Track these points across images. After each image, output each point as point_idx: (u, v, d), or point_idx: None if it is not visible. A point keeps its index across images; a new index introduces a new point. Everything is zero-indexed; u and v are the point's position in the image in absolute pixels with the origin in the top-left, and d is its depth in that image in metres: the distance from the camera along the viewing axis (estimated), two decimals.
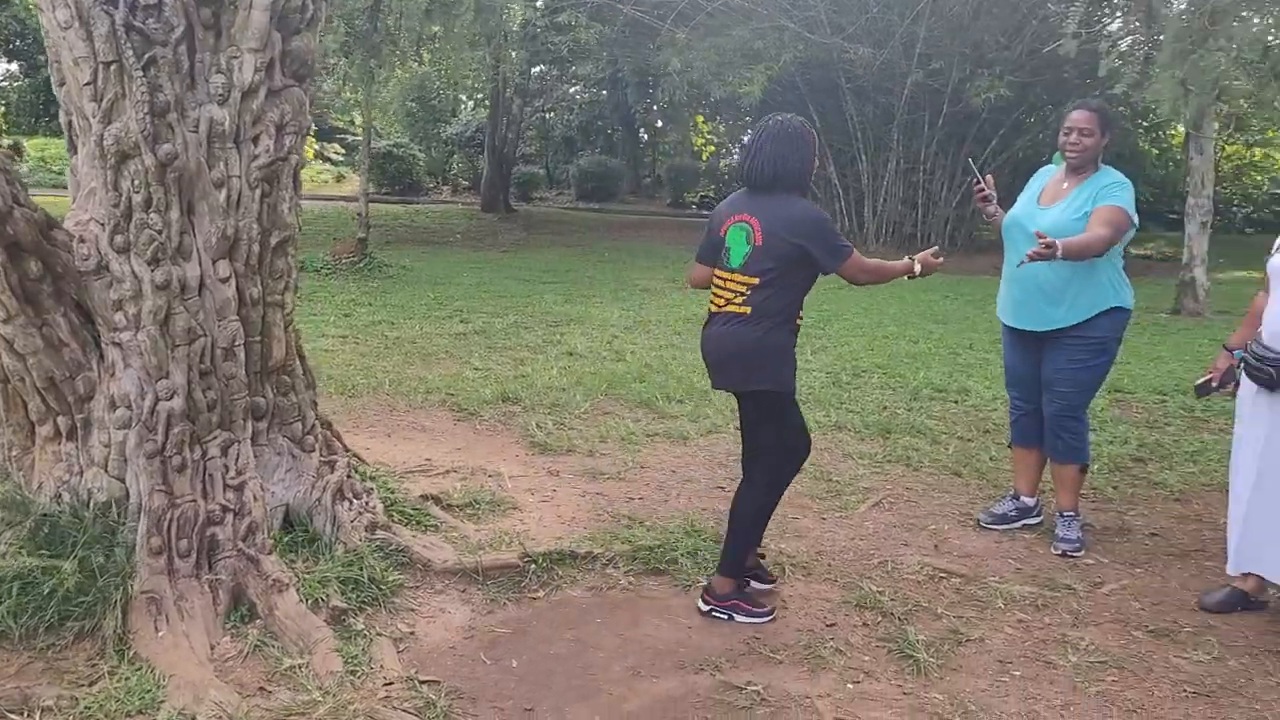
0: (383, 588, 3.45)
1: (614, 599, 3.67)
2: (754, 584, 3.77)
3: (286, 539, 3.55)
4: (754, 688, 3.09)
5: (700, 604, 3.58)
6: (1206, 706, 3.10)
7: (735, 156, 30.05)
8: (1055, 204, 4.19)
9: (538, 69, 23.52)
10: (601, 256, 15.69)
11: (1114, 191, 4.04)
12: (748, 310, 3.43)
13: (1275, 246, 3.69)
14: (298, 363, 3.81)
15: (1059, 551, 4.23)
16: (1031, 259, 3.76)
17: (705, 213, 26.65)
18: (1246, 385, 3.70)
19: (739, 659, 3.28)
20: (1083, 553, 4.23)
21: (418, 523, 4.02)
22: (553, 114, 31.35)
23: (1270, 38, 11.89)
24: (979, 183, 4.32)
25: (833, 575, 3.92)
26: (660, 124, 32.08)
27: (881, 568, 4.07)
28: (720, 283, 3.53)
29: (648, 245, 17.88)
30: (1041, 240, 3.73)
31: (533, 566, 3.76)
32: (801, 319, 3.58)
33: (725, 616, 3.53)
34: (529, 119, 28.28)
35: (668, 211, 26.56)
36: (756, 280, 3.42)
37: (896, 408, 6.62)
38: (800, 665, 3.26)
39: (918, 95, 16.83)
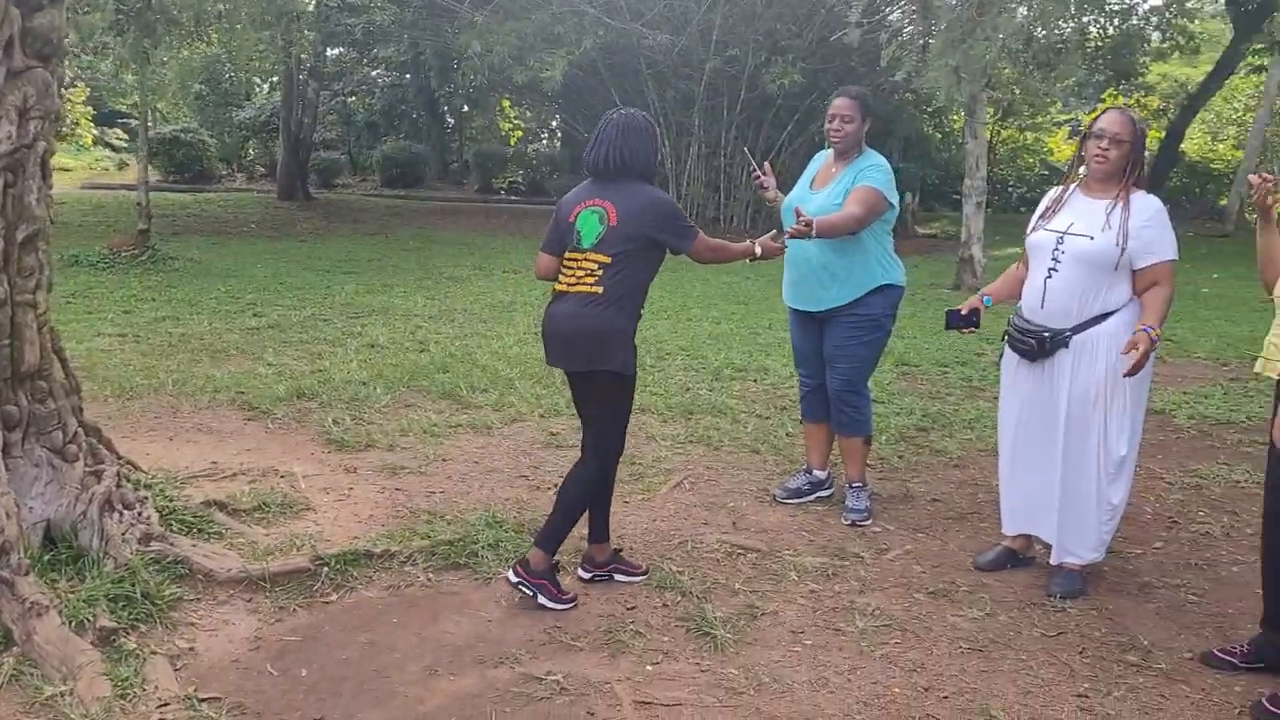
0: (158, 603, 3.25)
1: (412, 597, 3.58)
2: (619, 577, 3.78)
3: (47, 557, 3.29)
4: (554, 677, 3.08)
5: (510, 575, 3.55)
6: (980, 660, 3.29)
7: (544, 142, 30.02)
8: (824, 188, 4.37)
9: (335, 51, 22.72)
10: (406, 245, 15.32)
11: (870, 173, 4.25)
12: (599, 290, 3.48)
13: (1032, 224, 3.92)
14: (56, 366, 3.54)
15: (848, 521, 4.42)
16: (790, 237, 3.91)
17: (514, 199, 26.48)
18: (1009, 355, 3.93)
19: (539, 649, 3.27)
20: (870, 521, 4.43)
21: (199, 531, 3.81)
22: (354, 98, 30.36)
23: (1034, 28, 12.77)
24: (756, 170, 4.45)
25: (635, 558, 3.95)
26: (466, 108, 31.56)
27: (682, 548, 4.13)
28: (572, 263, 3.57)
29: (455, 233, 17.57)
30: (801, 219, 3.89)
31: (325, 569, 3.63)
32: (643, 306, 3.65)
33: (530, 593, 3.51)
34: (328, 103, 27.29)
35: (476, 198, 26.16)
36: (609, 259, 3.48)
37: (699, 388, 6.76)
38: (600, 651, 3.27)
39: (716, 81, 17.19)
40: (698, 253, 3.64)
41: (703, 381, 6.95)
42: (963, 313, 4.01)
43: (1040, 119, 26.39)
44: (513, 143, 30.86)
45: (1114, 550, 4.08)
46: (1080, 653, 3.36)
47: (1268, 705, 3.00)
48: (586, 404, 3.70)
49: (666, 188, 18.48)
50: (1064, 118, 28.47)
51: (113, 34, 11.68)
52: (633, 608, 3.58)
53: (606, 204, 3.52)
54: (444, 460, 5.08)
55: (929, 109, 22.03)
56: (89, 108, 24.75)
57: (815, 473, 4.73)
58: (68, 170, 23.10)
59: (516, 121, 30.92)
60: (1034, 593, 3.80)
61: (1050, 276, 3.70)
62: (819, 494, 4.70)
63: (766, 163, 4.55)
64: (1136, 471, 5.08)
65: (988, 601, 3.71)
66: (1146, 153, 3.82)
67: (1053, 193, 3.96)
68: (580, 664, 3.19)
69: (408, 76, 27.98)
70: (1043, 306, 3.74)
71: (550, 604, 3.52)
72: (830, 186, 4.34)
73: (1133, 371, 3.47)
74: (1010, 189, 27.66)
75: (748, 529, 4.37)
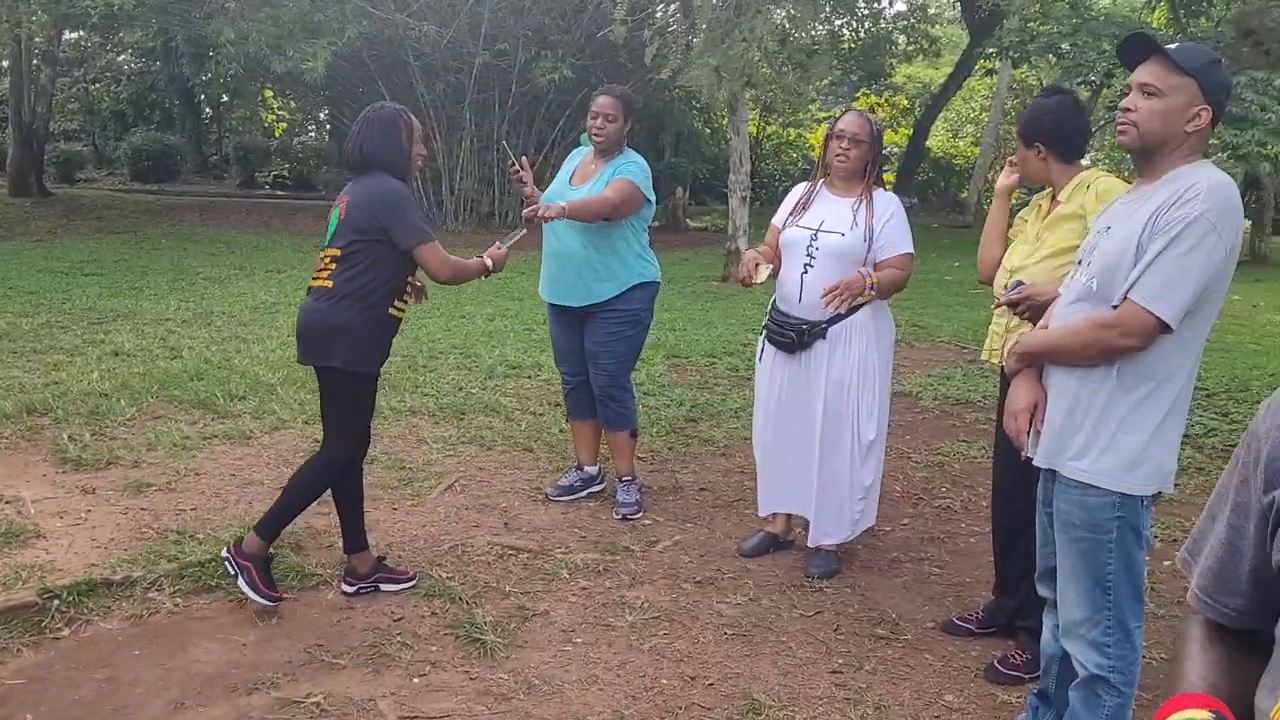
0: None
1: (157, 626, 3.34)
2: (385, 587, 3.66)
3: None
4: (314, 699, 2.95)
5: (223, 551, 3.53)
6: (743, 645, 3.40)
7: (311, 134, 28.88)
8: (583, 184, 4.39)
9: (74, 35, 20.97)
10: (158, 244, 14.35)
11: (628, 168, 4.33)
12: (330, 284, 3.44)
13: (782, 218, 4.06)
14: None
15: (619, 515, 4.46)
16: (544, 218, 3.99)
17: (280, 193, 25.33)
18: (767, 348, 4.07)
19: (299, 671, 3.12)
20: (641, 514, 4.49)
21: None
22: (98, 85, 28.17)
23: (791, 30, 13.34)
24: (515, 165, 4.39)
25: (404, 566, 3.84)
26: (225, 99, 29.88)
27: (452, 552, 4.06)
28: (320, 260, 3.55)
29: (214, 230, 16.61)
30: (551, 206, 3.96)
31: (55, 602, 3.33)
32: (401, 309, 3.53)
33: (234, 573, 3.47)
34: (67, 91, 25.21)
35: (238, 192, 24.87)
36: (338, 251, 3.44)
37: (472, 387, 6.66)
38: (365, 667, 3.16)
39: (486, 75, 17.01)
40: (426, 260, 3.47)
41: (476, 380, 6.85)
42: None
43: (801, 116, 27.67)
44: (277, 134, 29.51)
45: (870, 525, 4.30)
46: (835, 630, 3.52)
47: (999, 666, 3.24)
48: (321, 399, 3.63)
49: (440, 183, 18.17)
50: (824, 115, 29.93)
51: None
52: (400, 619, 3.48)
53: (344, 198, 3.51)
54: (196, 475, 4.78)
55: (696, 105, 22.63)
56: None
57: (586, 469, 4.75)
58: None
59: (281, 113, 29.59)
60: (794, 575, 3.96)
61: (806, 272, 3.84)
62: (590, 490, 4.73)
63: (525, 157, 4.52)
64: (887, 451, 5.41)
65: (751, 587, 3.84)
66: (896, 149, 4.05)
67: (799, 189, 4.12)
68: (343, 683, 3.07)
69: (158, 64, 26.21)
70: (800, 300, 3.88)
71: (250, 592, 3.41)
72: (590, 183, 4.36)
73: (831, 295, 3.62)
74: (776, 183, 28.81)
75: (520, 529, 4.34)
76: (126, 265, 12.00)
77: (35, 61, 19.84)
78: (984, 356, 3.44)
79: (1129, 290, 2.26)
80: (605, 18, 15.27)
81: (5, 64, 22.35)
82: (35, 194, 19.53)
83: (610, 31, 11.01)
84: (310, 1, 14.31)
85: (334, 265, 3.45)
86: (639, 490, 4.61)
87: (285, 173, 27.62)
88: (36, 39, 18.50)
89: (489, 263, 3.70)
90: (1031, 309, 2.88)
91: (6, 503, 4.25)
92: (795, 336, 3.88)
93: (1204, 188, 2.20)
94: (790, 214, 4.03)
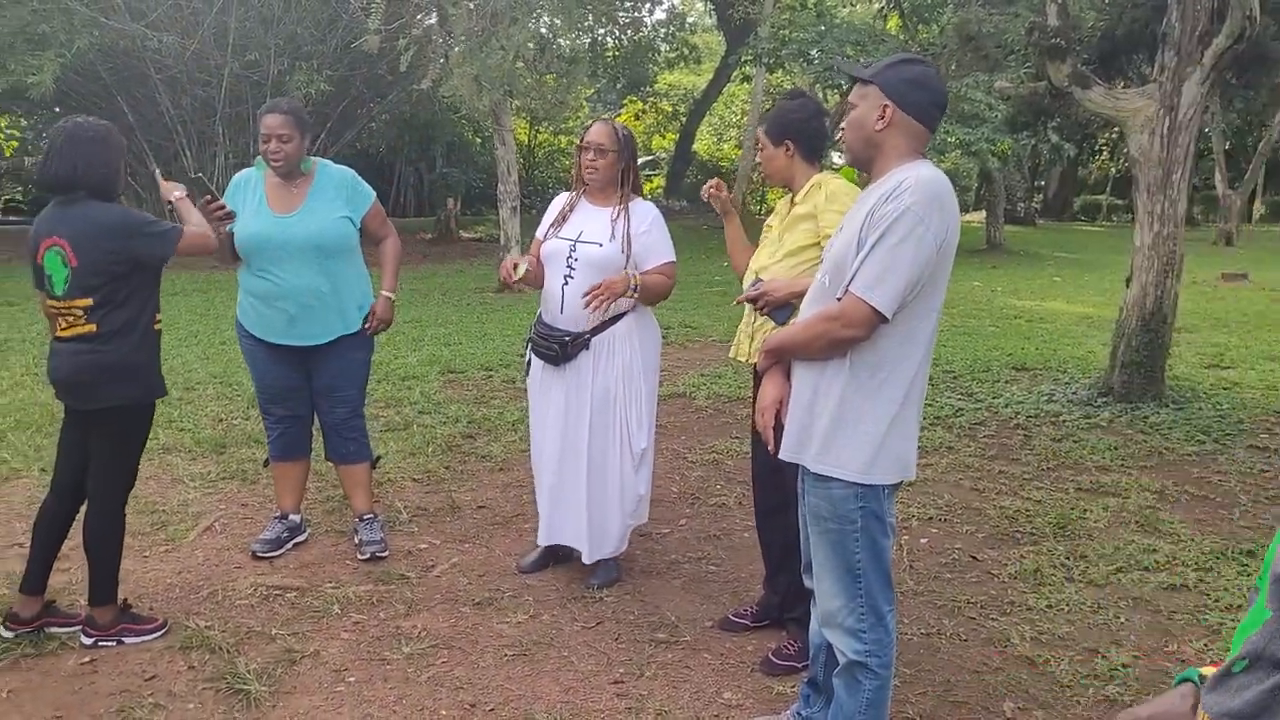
0: None
1: None
2: (54, 628, 3.45)
3: None
4: None
5: (83, 639, 3.40)
6: (524, 665, 3.34)
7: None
8: (296, 210, 3.98)
9: None
10: None
11: (364, 191, 4.14)
12: (93, 328, 3.26)
13: (544, 230, 4.03)
14: None
15: (367, 555, 4.15)
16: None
17: (14, 219, 23.27)
18: (535, 362, 4.02)
19: None
20: (387, 552, 4.21)
21: None
22: None
23: (552, 38, 13.39)
24: (215, 199, 3.68)
25: (155, 618, 3.56)
26: None
27: (211, 598, 3.80)
28: (55, 310, 3.28)
29: None
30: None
31: None
32: (160, 322, 3.42)
33: (113, 644, 3.40)
34: None
35: None
36: (90, 301, 3.24)
37: (234, 418, 6.30)
38: None
39: (239, 88, 16.23)
40: (189, 248, 3.37)
41: (238, 410, 6.49)
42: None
43: (571, 124, 27.90)
44: (8, 155, 27.06)
45: (644, 532, 4.34)
46: (616, 639, 3.52)
47: (773, 659, 3.33)
48: (95, 441, 3.40)
49: (192, 199, 17.14)
50: (592, 120, 30.35)
51: None
52: (152, 677, 3.22)
53: (63, 241, 3.20)
54: None
55: (464, 115, 22.41)
56: None
57: (290, 517, 4.36)
58: None
59: (10, 131, 27.14)
60: (575, 587, 3.93)
61: (566, 283, 3.82)
62: (296, 540, 4.34)
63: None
64: (663, 453, 5.50)
65: (531, 604, 3.79)
66: (665, 154, 4.10)
67: (560, 200, 4.10)
68: None
69: None
70: (562, 311, 3.85)
71: (137, 641, 3.43)
72: (303, 210, 3.97)
73: (592, 295, 3.65)
74: (550, 191, 28.91)
75: (286, 567, 4.11)
76: None
77: None
78: (731, 354, 3.54)
79: (849, 283, 2.36)
80: (361, 27, 14.87)
81: None
82: None
83: (364, 41, 10.71)
84: (31, 12, 13.17)
85: (86, 313, 3.24)
86: (382, 526, 4.37)
87: (18, 196, 25.42)
88: None
89: (180, 190, 3.64)
90: (768, 304, 2.99)
91: None
92: (559, 348, 3.85)
93: (912, 183, 2.33)
94: (551, 225, 4.01)
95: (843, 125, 2.54)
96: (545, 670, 3.31)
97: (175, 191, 3.63)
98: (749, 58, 18.71)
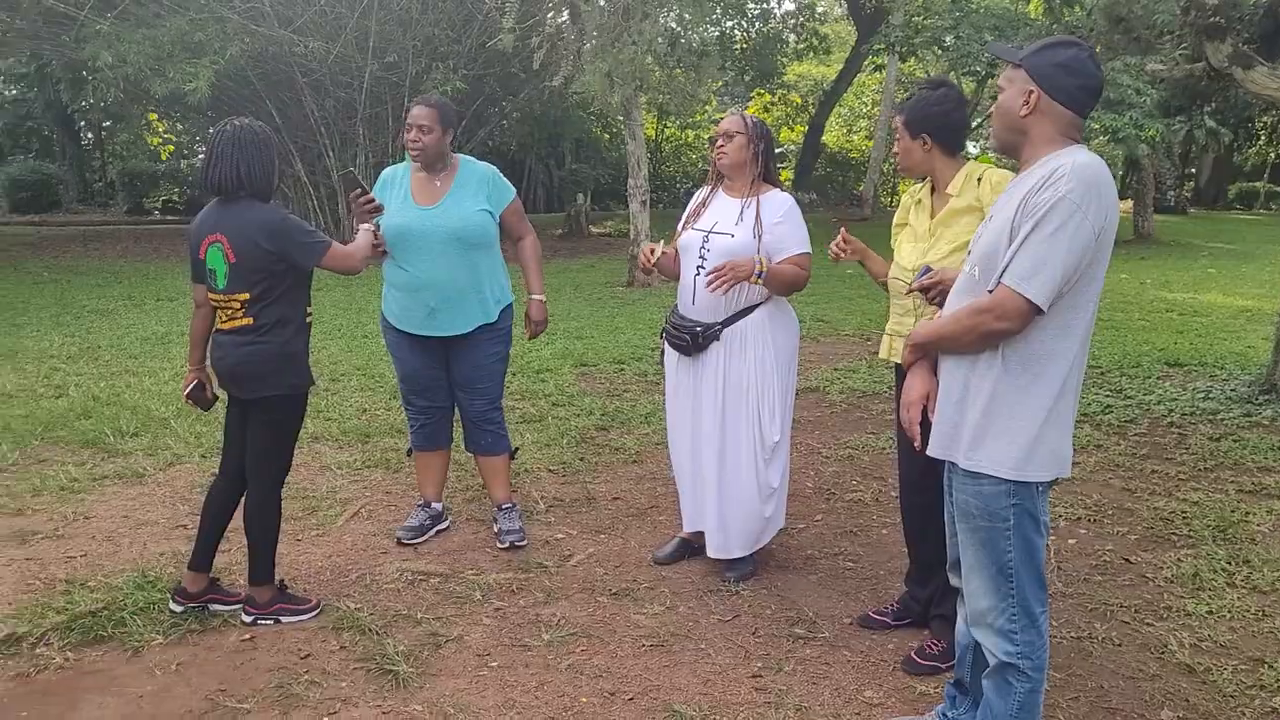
0: None
1: (45, 684, 3.16)
2: (216, 606, 3.62)
3: None
4: None
5: (244, 616, 3.57)
6: (662, 656, 3.35)
7: (201, 156, 28.03)
8: (438, 203, 4.07)
9: None
10: (39, 277, 13.77)
11: (504, 187, 4.21)
12: (249, 322, 3.44)
13: (681, 224, 4.05)
14: None
15: (506, 544, 4.24)
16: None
17: (170, 219, 24.58)
18: (669, 352, 4.04)
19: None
20: (526, 542, 4.29)
21: None
22: None
23: (681, 33, 13.40)
24: (365, 192, 3.85)
25: (309, 599, 3.71)
26: (107, 123, 28.88)
27: (360, 582, 3.94)
28: (218, 303, 3.49)
29: (100, 260, 16.03)
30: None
31: None
32: (311, 314, 3.59)
33: (271, 622, 3.56)
34: None
35: (125, 220, 24.04)
36: (247, 295, 3.41)
37: (376, 409, 6.51)
38: (271, 709, 3.03)
39: (378, 89, 16.75)
40: (332, 265, 3.51)
41: (380, 401, 6.70)
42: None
43: (699, 118, 27.88)
44: (164, 158, 28.62)
45: (781, 527, 4.30)
46: (754, 633, 3.51)
47: (916, 658, 3.26)
48: (254, 429, 3.58)
49: (335, 199, 17.82)
50: (720, 116, 30.26)
51: None
52: (307, 655, 3.36)
53: (223, 238, 3.39)
54: (86, 519, 4.56)
55: (593, 112, 22.63)
56: None
57: (433, 505, 4.48)
58: None
59: (167, 136, 28.70)
60: (710, 580, 3.93)
61: (698, 274, 3.82)
62: (438, 528, 4.45)
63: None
64: (797, 448, 5.44)
65: (667, 595, 3.80)
66: (794, 147, 4.05)
67: (698, 195, 4.10)
68: None
69: (33, 90, 25.21)
70: (694, 302, 3.86)
71: (293, 620, 3.57)
72: (445, 202, 4.06)
73: (714, 275, 3.61)
74: (677, 185, 28.99)
75: (430, 553, 4.23)
76: (5, 302, 11.48)
77: None
78: (881, 354, 3.47)
79: (1002, 274, 2.29)
80: (495, 27, 15.17)
81: None
82: None
83: (499, 40, 10.92)
84: (189, 21, 13.87)
85: (244, 307, 3.42)
86: (521, 515, 4.46)
87: (175, 197, 26.84)
88: None
89: (370, 232, 3.79)
90: (942, 294, 2.90)
91: None
92: (690, 339, 3.86)
93: (1068, 169, 2.24)
94: (688, 218, 4.02)
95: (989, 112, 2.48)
96: (683, 661, 3.32)
97: (365, 224, 3.80)
98: (881, 46, 18.34)
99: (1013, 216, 2.31)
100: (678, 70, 11.22)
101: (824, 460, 5.48)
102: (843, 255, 3.48)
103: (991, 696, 2.54)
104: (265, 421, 3.55)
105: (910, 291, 3.06)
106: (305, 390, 3.60)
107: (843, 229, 3.53)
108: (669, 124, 28.20)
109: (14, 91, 26.67)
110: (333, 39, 15.56)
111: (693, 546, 4.14)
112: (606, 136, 27.31)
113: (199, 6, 14.24)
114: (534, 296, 4.30)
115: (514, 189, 4.30)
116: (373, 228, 3.80)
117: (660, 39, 9.18)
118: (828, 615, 3.64)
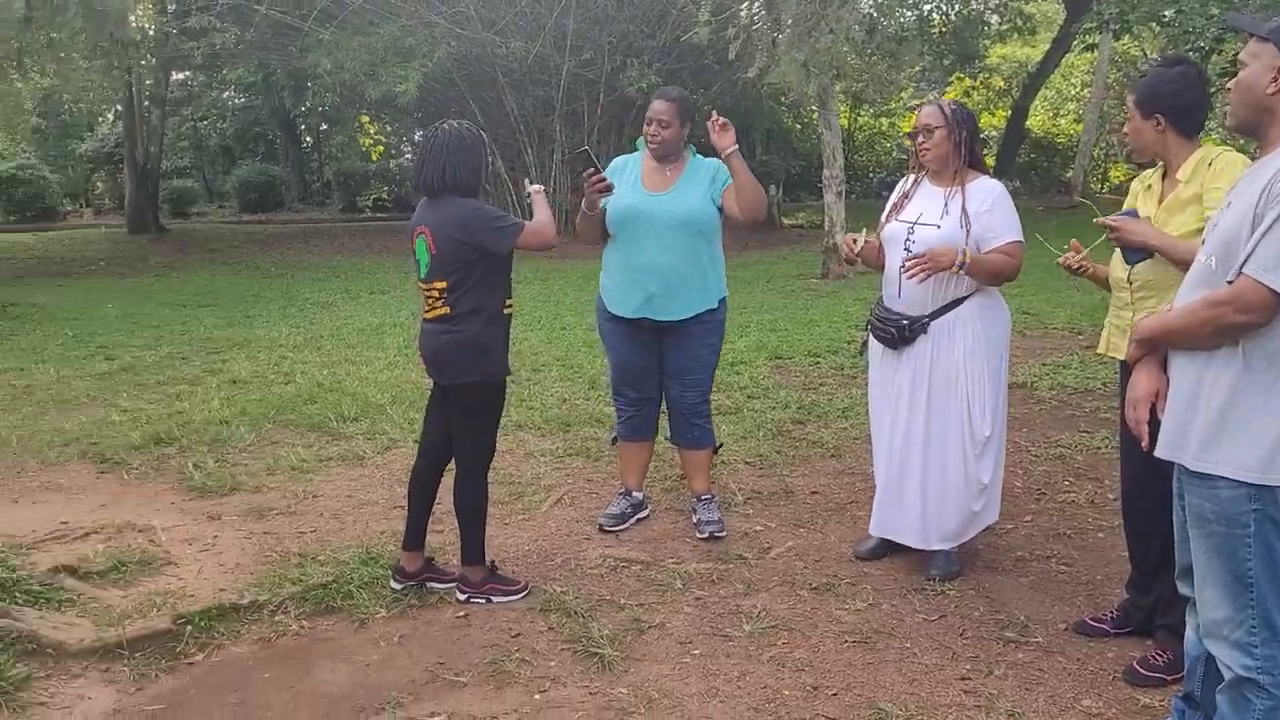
0: (4, 684, 3.02)
1: (284, 649, 3.42)
2: (432, 584, 3.80)
3: None
4: (438, 717, 2.98)
5: (458, 594, 3.74)
6: (865, 653, 3.31)
7: (407, 156, 29.49)
8: (668, 190, 4.15)
9: (181, 75, 21.86)
10: (267, 272, 14.84)
11: (725, 176, 4.16)
12: (448, 310, 3.59)
13: (885, 215, 3.98)
14: None
15: (705, 535, 4.26)
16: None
17: (380, 216, 25.95)
18: (874, 345, 3.98)
19: (422, 690, 3.15)
20: (725, 533, 4.30)
21: (47, 600, 3.55)
22: (204, 122, 29.30)
23: (879, 19, 13.11)
24: (598, 171, 3.97)
25: (518, 581, 3.86)
26: (324, 126, 30.79)
27: (564, 566, 4.06)
28: (423, 292, 3.68)
29: (318, 256, 17.11)
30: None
31: (188, 628, 3.43)
32: (511, 306, 3.69)
33: (483, 601, 3.71)
34: (178, 129, 26.27)
35: (340, 218, 25.55)
36: (444, 283, 3.58)
37: (575, 399, 6.69)
38: (486, 684, 3.18)
39: (574, 86, 17.15)
40: (528, 243, 3.61)
41: (579, 392, 6.88)
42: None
43: (894, 104, 27.18)
44: (374, 158, 30.24)
45: (988, 526, 4.16)
46: (961, 634, 3.41)
47: (1139, 668, 3.10)
48: (457, 415, 3.75)
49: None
50: (916, 102, 29.39)
51: None
52: (517, 634, 3.49)
53: (426, 229, 3.59)
54: (314, 497, 4.89)
55: (785, 101, 22.41)
56: None
57: (634, 494, 4.54)
58: None
59: (378, 137, 30.31)
60: (914, 578, 3.85)
61: (904, 267, 3.75)
62: (638, 516, 4.51)
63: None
64: (1006, 446, 5.23)
65: (869, 591, 3.75)
66: (995, 132, 3.92)
67: (901, 185, 4.03)
68: (465, 700, 3.08)
69: (260, 98, 27.14)
70: (900, 295, 3.79)
71: (504, 601, 3.71)
72: (680, 189, 4.16)
73: (913, 263, 3.55)
74: (871, 175, 28.38)
75: (630, 541, 4.32)
76: (239, 295, 12.43)
77: (145, 104, 20.74)
78: (1100, 349, 3.31)
79: (1244, 264, 2.14)
80: (689, 21, 15.25)
81: (118, 108, 23.44)
82: (152, 231, 20.43)
83: (694, 34, 10.98)
84: (400, 27, 14.62)
85: (444, 295, 3.59)
86: (719, 507, 4.47)
87: (384, 195, 28.31)
88: (146, 82, 19.33)
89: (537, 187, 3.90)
90: (1119, 240, 2.91)
91: (139, 531, 4.41)
92: (896, 332, 3.79)
93: None
94: (891, 209, 3.95)
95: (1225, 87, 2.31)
96: (887, 659, 3.26)
97: (533, 186, 3.93)
98: (1093, 25, 17.35)
99: (1255, 203, 2.16)
100: (874, 57, 11.01)
101: (1033, 459, 5.26)
102: (1075, 263, 3.31)
103: (1226, 712, 2.38)
104: (463, 408, 3.72)
105: (1098, 222, 2.97)
106: (499, 379, 3.71)
107: (1072, 245, 3.36)
108: (862, 112, 27.61)
109: (242, 100, 28.76)
110: (532, 39, 16.05)
111: (894, 543, 4.07)
112: (798, 127, 27.01)
113: (409, 13, 14.97)
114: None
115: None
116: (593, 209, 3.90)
117: (857, 26, 8.99)
118: (1040, 620, 3.50)
